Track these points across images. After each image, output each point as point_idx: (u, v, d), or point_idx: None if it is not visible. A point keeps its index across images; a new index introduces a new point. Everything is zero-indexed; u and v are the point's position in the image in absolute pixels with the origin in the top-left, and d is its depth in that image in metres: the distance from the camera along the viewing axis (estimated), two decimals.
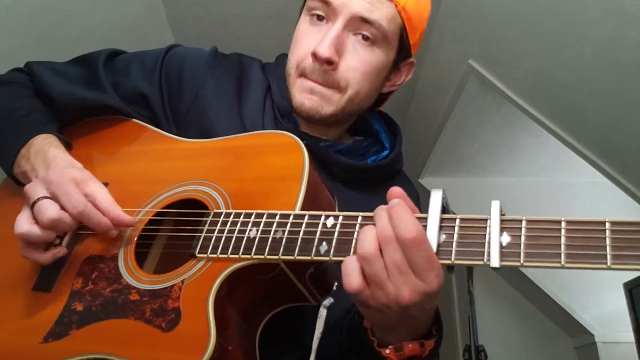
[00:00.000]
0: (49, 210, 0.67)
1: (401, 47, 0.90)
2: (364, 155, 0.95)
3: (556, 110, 1.85)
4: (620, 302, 2.40)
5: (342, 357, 0.70)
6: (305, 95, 0.85)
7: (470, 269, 2.74)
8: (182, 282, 0.65)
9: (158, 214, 0.75)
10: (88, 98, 0.88)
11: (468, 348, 2.02)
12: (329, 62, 0.82)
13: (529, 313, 3.22)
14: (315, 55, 0.82)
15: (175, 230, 0.76)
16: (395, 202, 0.57)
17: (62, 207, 0.68)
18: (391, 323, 0.59)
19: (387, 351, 0.62)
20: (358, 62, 0.85)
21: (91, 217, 0.69)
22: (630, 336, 2.29)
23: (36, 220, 0.68)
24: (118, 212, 0.72)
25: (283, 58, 0.98)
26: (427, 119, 2.64)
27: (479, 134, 2.73)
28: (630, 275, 2.34)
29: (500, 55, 1.89)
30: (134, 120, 0.90)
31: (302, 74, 0.86)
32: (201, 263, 0.65)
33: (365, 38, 0.85)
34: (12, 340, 0.69)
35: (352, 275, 0.56)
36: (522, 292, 3.26)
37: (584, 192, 2.93)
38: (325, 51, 0.81)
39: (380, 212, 0.57)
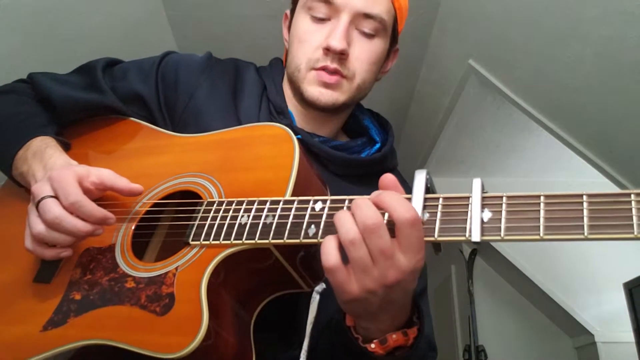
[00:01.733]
0: (52, 209, 0.68)
1: (393, 36, 0.96)
2: (358, 153, 0.97)
3: (556, 110, 1.85)
4: (620, 302, 2.41)
5: (334, 357, 0.71)
6: (320, 89, 0.89)
7: (470, 269, 2.75)
8: (176, 268, 0.66)
9: (155, 205, 0.77)
10: (87, 99, 0.91)
11: (468, 348, 2.02)
12: (342, 53, 0.87)
13: (529, 313, 3.23)
14: (328, 49, 0.87)
15: (173, 220, 0.78)
16: (379, 192, 0.58)
17: (59, 202, 0.69)
18: (372, 310, 0.60)
19: (373, 345, 0.63)
20: (364, 53, 0.90)
21: (84, 208, 0.69)
22: (630, 336, 2.30)
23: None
24: (125, 183, 0.74)
25: (277, 62, 1.02)
26: (427, 119, 2.64)
27: (479, 134, 2.73)
28: (630, 275, 2.35)
29: (500, 55, 1.89)
30: (131, 118, 0.92)
31: (313, 67, 0.89)
32: (195, 250, 0.67)
33: (368, 30, 0.90)
34: (13, 331, 0.71)
35: (329, 253, 0.57)
36: (522, 292, 3.26)
37: None
38: (339, 44, 0.86)
39: (362, 201, 0.58)
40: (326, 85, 0.89)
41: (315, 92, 0.89)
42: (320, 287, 0.67)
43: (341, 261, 0.57)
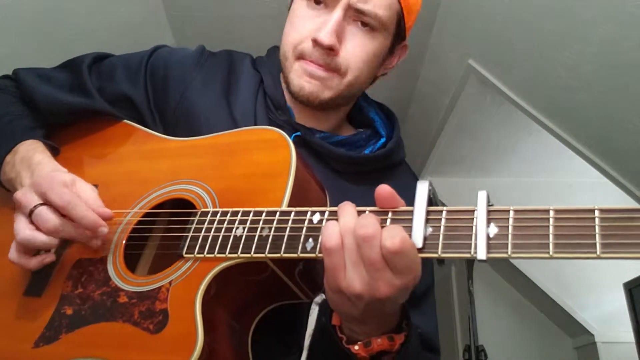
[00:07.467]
0: (50, 217, 0.67)
1: (397, 32, 0.90)
2: (362, 147, 0.93)
3: (556, 110, 1.85)
4: (620, 302, 2.40)
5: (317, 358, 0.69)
6: (305, 78, 0.84)
7: (470, 268, 2.74)
8: (170, 283, 0.64)
9: (147, 214, 0.74)
10: (73, 103, 0.88)
11: (468, 348, 2.01)
12: (330, 49, 0.82)
13: (529, 313, 3.23)
14: (316, 42, 0.82)
15: (166, 230, 0.76)
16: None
17: (53, 206, 0.68)
18: (357, 314, 0.58)
19: (356, 347, 0.61)
20: (358, 49, 0.84)
21: (77, 209, 0.67)
22: (630, 336, 2.29)
23: (36, 227, 0.68)
24: (101, 208, 0.71)
25: (275, 51, 0.96)
26: (427, 119, 2.64)
27: (478, 134, 2.73)
28: (630, 275, 2.34)
29: (500, 55, 1.89)
30: (125, 121, 0.89)
31: (301, 57, 0.84)
32: (189, 263, 0.65)
33: (364, 24, 0.84)
34: (4, 346, 0.69)
35: (331, 235, 0.55)
36: (522, 292, 3.26)
37: (584, 192, 2.93)
38: (326, 39, 0.81)
39: (367, 214, 0.56)
40: (312, 76, 0.84)
41: (301, 82, 0.84)
42: (320, 298, 0.65)
43: (341, 244, 0.55)
